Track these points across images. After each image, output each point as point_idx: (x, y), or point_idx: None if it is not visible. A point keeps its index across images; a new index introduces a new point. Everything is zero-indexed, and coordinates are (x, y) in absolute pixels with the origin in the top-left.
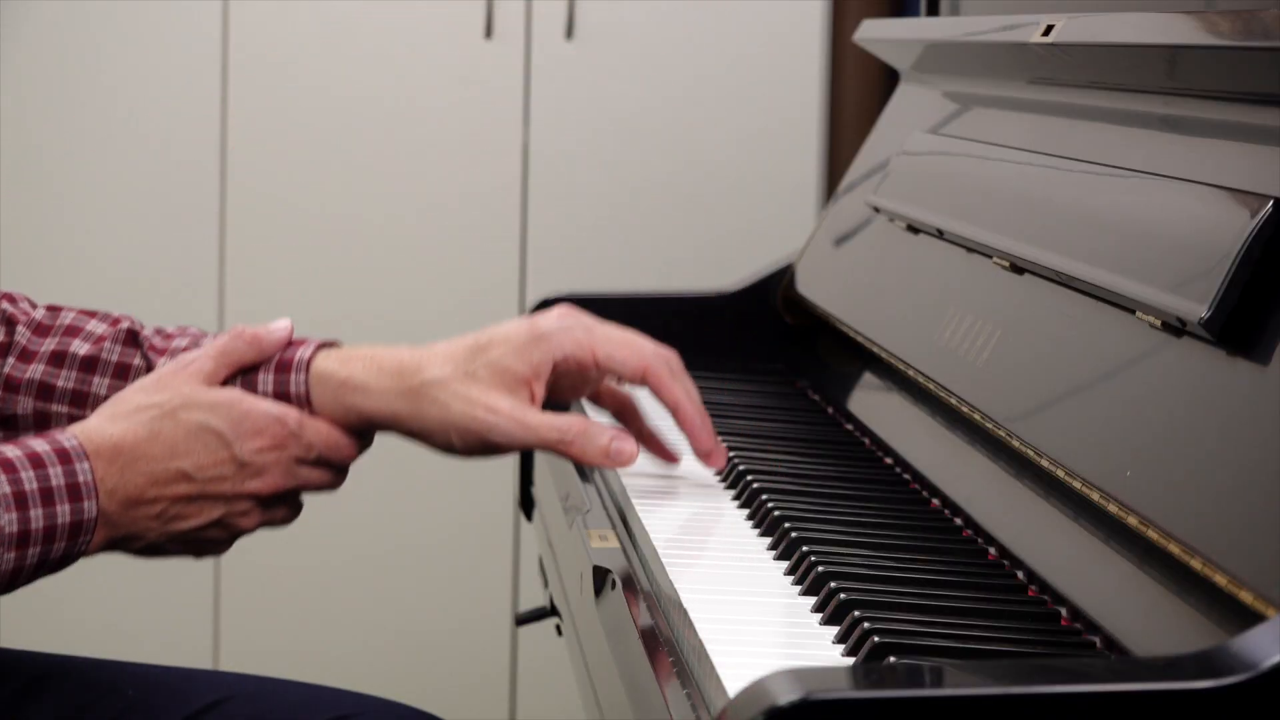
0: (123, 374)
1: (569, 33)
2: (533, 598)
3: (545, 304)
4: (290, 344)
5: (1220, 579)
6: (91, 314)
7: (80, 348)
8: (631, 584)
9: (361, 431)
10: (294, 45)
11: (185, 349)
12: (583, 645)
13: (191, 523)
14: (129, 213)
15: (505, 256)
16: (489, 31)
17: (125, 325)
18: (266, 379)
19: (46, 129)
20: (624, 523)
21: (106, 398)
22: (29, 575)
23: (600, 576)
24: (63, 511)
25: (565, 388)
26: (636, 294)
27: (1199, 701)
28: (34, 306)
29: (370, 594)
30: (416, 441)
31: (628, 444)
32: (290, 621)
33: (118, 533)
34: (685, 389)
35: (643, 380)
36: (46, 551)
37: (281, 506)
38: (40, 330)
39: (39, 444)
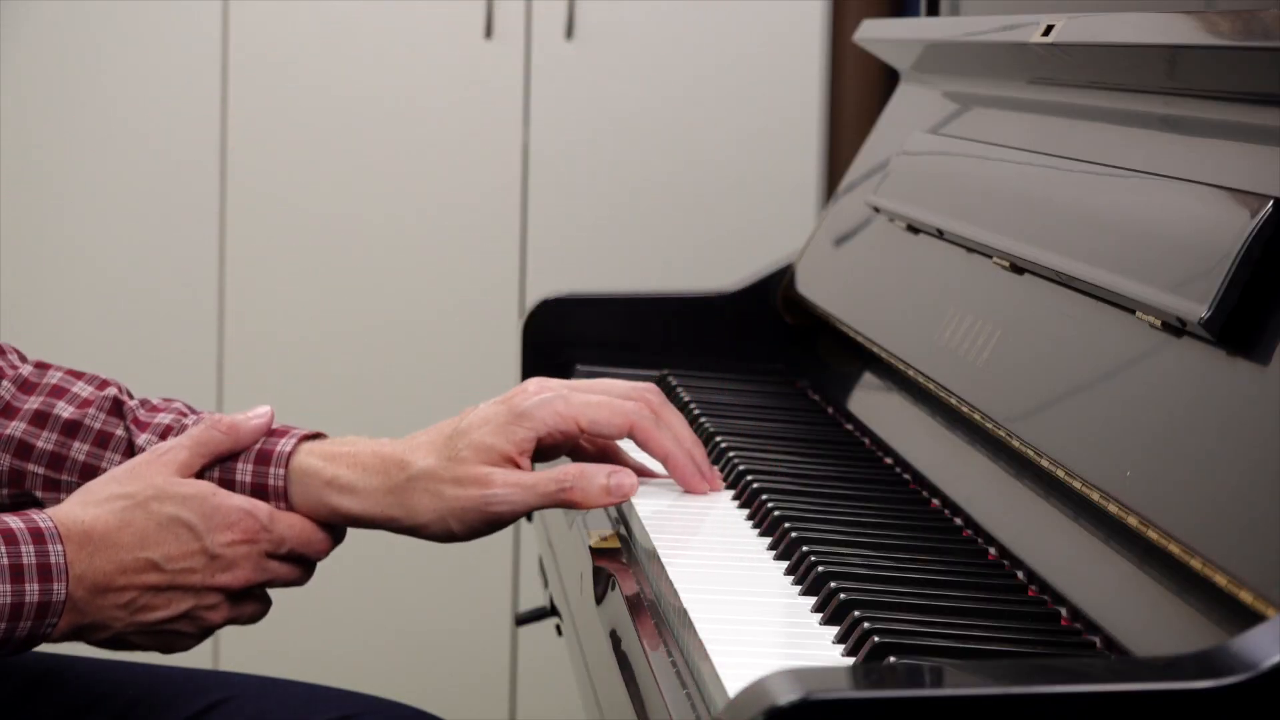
0: (103, 442)
1: (569, 33)
2: (533, 598)
3: (545, 304)
4: (272, 433)
5: (1220, 579)
6: (79, 375)
7: (64, 410)
8: (631, 584)
9: (335, 526)
10: (294, 45)
11: (168, 427)
12: (583, 645)
13: (159, 614)
14: (129, 213)
15: (505, 256)
16: (489, 31)
17: (111, 393)
18: (245, 469)
19: (46, 129)
20: (624, 523)
21: (85, 464)
22: None
23: (600, 576)
24: (31, 590)
25: (549, 454)
26: (636, 294)
27: (1199, 701)
28: (22, 360)
29: (370, 594)
30: (414, 536)
31: (626, 477)
32: (290, 621)
33: (84, 619)
34: (673, 434)
35: (630, 438)
36: (11, 630)
37: (250, 602)
38: (25, 387)
39: (13, 520)
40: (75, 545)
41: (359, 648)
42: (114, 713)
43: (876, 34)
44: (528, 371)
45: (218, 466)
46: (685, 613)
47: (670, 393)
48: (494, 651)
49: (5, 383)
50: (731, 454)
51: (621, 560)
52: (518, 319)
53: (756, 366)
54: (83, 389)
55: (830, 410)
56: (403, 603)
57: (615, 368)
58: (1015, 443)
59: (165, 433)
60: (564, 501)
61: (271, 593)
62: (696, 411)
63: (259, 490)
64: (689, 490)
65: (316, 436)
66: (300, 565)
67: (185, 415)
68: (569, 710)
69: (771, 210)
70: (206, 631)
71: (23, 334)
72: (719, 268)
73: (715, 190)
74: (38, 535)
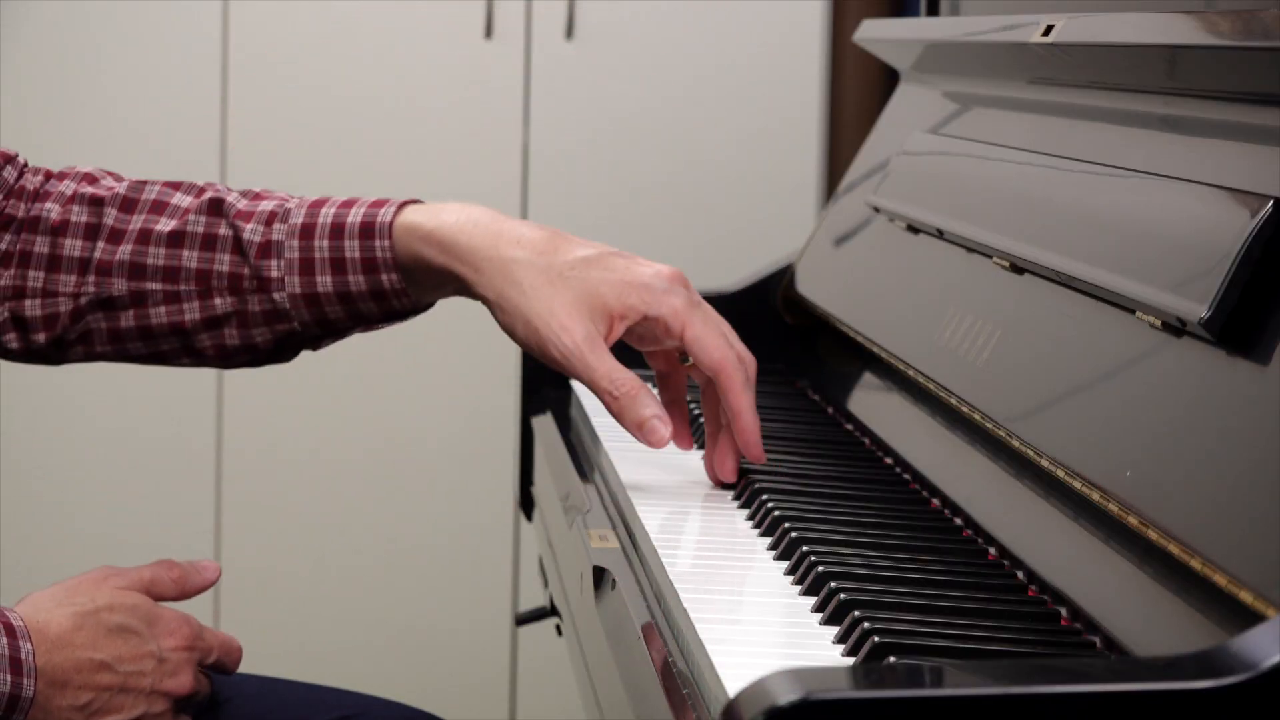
0: (210, 244)
1: (569, 33)
2: (533, 598)
3: None
4: (374, 204)
5: (1220, 579)
6: (176, 186)
7: (166, 224)
8: (631, 584)
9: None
10: (294, 45)
11: (271, 213)
12: (583, 645)
13: (113, 719)
14: None
15: None
16: (489, 31)
17: (209, 195)
18: (353, 245)
19: (46, 129)
20: (624, 523)
21: (198, 270)
22: None
23: (600, 576)
24: (2, 680)
25: (639, 335)
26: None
27: (1199, 701)
28: (117, 179)
29: (370, 594)
30: (485, 306)
31: (664, 426)
32: (290, 621)
33: (45, 718)
34: (750, 400)
35: (714, 376)
36: None
37: (184, 715)
38: (126, 206)
39: None
40: (35, 640)
41: (359, 648)
42: None
43: (876, 34)
44: (528, 371)
45: (327, 246)
46: (685, 612)
47: None
48: (494, 651)
49: (106, 208)
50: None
51: (621, 560)
52: None
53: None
54: (181, 199)
55: (830, 410)
56: (403, 603)
57: None
58: (1015, 443)
59: (270, 219)
60: (604, 401)
61: (272, 593)
62: (696, 412)
63: (369, 265)
64: (749, 453)
65: (415, 202)
66: (208, 681)
67: (288, 200)
68: (569, 710)
69: (771, 210)
70: None
71: None
72: (719, 268)
73: (715, 190)
74: (10, 630)
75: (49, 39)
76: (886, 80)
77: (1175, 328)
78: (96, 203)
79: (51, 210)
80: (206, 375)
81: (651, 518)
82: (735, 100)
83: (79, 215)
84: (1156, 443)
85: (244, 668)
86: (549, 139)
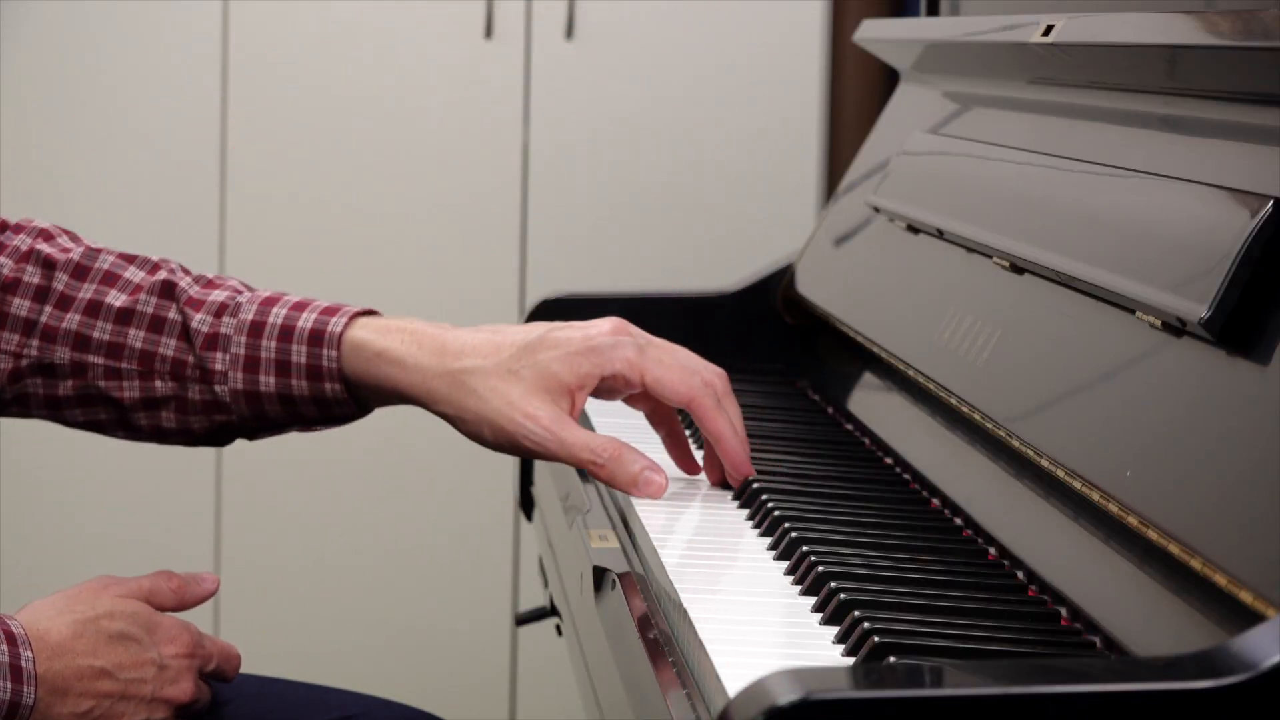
0: (158, 327)
1: (569, 33)
2: (533, 598)
3: (545, 304)
4: (324, 310)
5: (1220, 579)
6: (130, 259)
7: (116, 299)
8: (631, 584)
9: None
10: (294, 45)
11: (222, 304)
12: (583, 645)
13: None
14: (129, 213)
15: (505, 256)
16: (489, 31)
17: (162, 276)
18: (300, 350)
19: (46, 129)
20: (624, 523)
21: (142, 350)
22: None
23: (600, 576)
24: (2, 688)
25: (604, 393)
26: (636, 294)
27: (1199, 701)
28: (74, 240)
29: (370, 594)
30: (448, 422)
31: (658, 475)
32: (290, 622)
33: None
34: (729, 419)
35: (687, 409)
36: None
37: None
38: (78, 273)
39: None
40: (35, 648)
41: (359, 648)
42: None
43: (876, 34)
44: None
45: (274, 347)
46: (685, 612)
47: None
48: (494, 651)
49: (58, 272)
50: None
51: (621, 560)
52: (518, 319)
53: (756, 366)
54: (134, 274)
55: (830, 410)
56: (403, 603)
57: None
58: (1015, 443)
59: (220, 311)
60: (592, 473)
61: (272, 593)
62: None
63: (314, 372)
64: (737, 474)
65: (370, 313)
66: (210, 688)
67: (240, 292)
68: (569, 710)
69: (771, 210)
70: None
71: None
72: (719, 268)
73: (715, 190)
74: (10, 638)
75: (49, 39)
76: (886, 80)
77: (1175, 328)
78: (50, 265)
79: (3, 265)
80: None
81: (651, 518)
82: (735, 100)
83: (31, 276)
84: (1156, 443)
85: (244, 668)
86: (549, 139)
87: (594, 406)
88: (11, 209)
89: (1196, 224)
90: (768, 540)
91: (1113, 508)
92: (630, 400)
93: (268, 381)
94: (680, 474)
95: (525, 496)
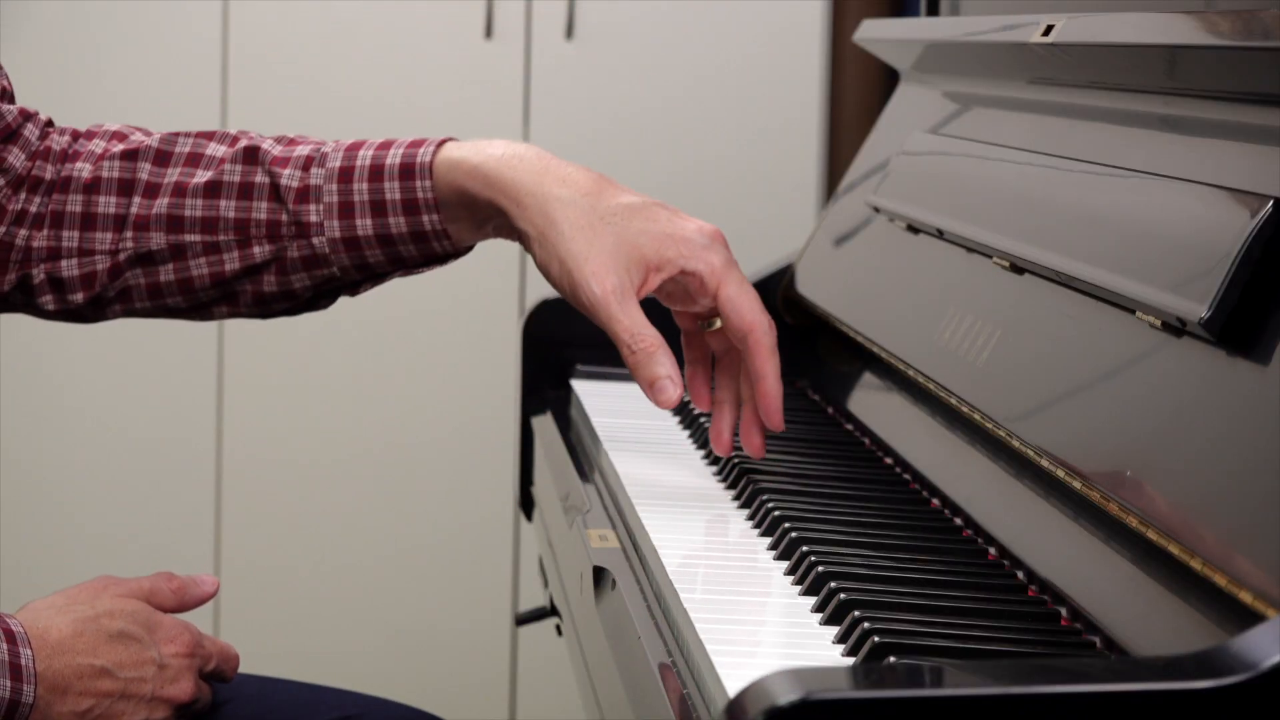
0: (247, 193)
1: (569, 33)
2: (533, 598)
3: (545, 304)
4: (412, 144)
5: (1220, 579)
6: (210, 136)
7: (202, 176)
8: (631, 584)
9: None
10: (294, 45)
11: (308, 158)
12: (583, 645)
13: None
14: None
15: (505, 256)
16: (489, 31)
17: (244, 143)
18: (393, 186)
19: None
20: (624, 523)
21: (235, 219)
22: None
23: (600, 576)
24: (2, 686)
25: (673, 292)
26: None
27: (1199, 701)
28: (146, 134)
29: (371, 594)
30: (519, 240)
31: (674, 388)
32: (290, 622)
33: None
34: (776, 365)
35: (742, 338)
36: None
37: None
38: (160, 159)
39: None
40: (35, 646)
41: (359, 648)
42: None
43: (876, 34)
44: (528, 372)
45: (366, 189)
46: (685, 612)
47: None
48: (494, 651)
49: (140, 163)
50: (732, 454)
51: (621, 560)
52: (518, 319)
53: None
54: (215, 149)
55: (830, 410)
56: (403, 603)
57: (616, 368)
58: (1015, 443)
59: (307, 164)
60: (623, 354)
61: (272, 593)
62: (696, 412)
63: (410, 205)
64: (770, 424)
65: (450, 140)
66: (211, 688)
67: (324, 144)
68: (569, 710)
69: (771, 210)
70: None
71: (23, 334)
72: None
73: (715, 190)
74: (10, 636)
75: (49, 39)
76: (886, 80)
77: (1175, 328)
78: (129, 157)
79: (83, 169)
80: (206, 374)
81: (651, 518)
82: (735, 100)
83: (111, 171)
84: (1156, 443)
85: (244, 668)
86: (549, 139)
87: (601, 405)
88: None
89: (1196, 224)
90: (768, 540)
91: (1113, 508)
92: (678, 316)
93: (364, 224)
94: (678, 473)
95: (525, 496)
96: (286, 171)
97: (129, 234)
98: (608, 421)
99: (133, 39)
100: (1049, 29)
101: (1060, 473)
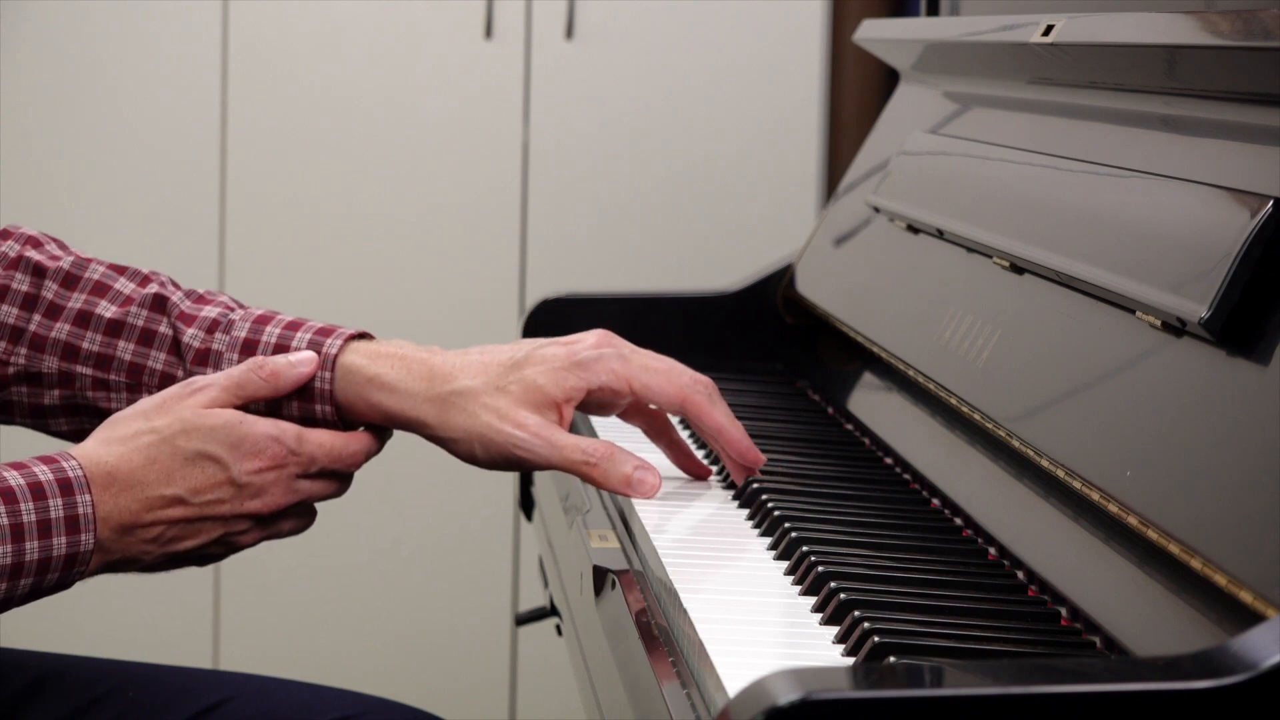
0: (148, 340)
1: (569, 33)
2: (533, 598)
3: (545, 304)
4: (318, 331)
5: (1220, 579)
6: (120, 270)
7: (106, 310)
8: (631, 584)
9: (379, 430)
10: (294, 45)
11: (214, 321)
12: (583, 645)
13: (190, 543)
14: (129, 213)
15: (505, 256)
16: (489, 31)
17: (153, 289)
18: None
19: (46, 129)
20: (624, 523)
21: (131, 363)
22: (20, 602)
23: (600, 576)
24: (59, 544)
25: (594, 407)
26: (636, 294)
27: (1199, 701)
28: (62, 249)
29: (370, 594)
30: (440, 446)
31: (650, 475)
32: (290, 622)
33: (113, 558)
34: (725, 411)
35: (680, 410)
36: (39, 581)
37: (286, 520)
38: (68, 282)
39: (41, 471)
40: (100, 487)
41: (359, 648)
42: (114, 714)
43: (876, 34)
44: None
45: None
46: (685, 612)
47: None
48: (494, 651)
49: (47, 281)
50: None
51: (621, 560)
52: (518, 319)
53: (756, 366)
54: (125, 286)
55: (830, 410)
56: (403, 603)
57: None
58: (1015, 443)
59: (212, 327)
60: (584, 475)
61: (272, 593)
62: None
63: (305, 392)
64: (746, 465)
65: (363, 336)
66: (336, 479)
67: (232, 309)
68: (569, 710)
69: (771, 210)
70: (239, 549)
71: None
72: (719, 268)
73: (715, 190)
74: (66, 486)
75: (49, 39)
76: (886, 80)
77: (1175, 328)
78: (39, 272)
79: None
80: None
81: (651, 518)
82: (735, 100)
83: (20, 283)
84: (1156, 443)
85: (244, 667)
86: (549, 139)
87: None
88: (11, 208)
89: (1196, 224)
90: (768, 540)
91: (1113, 508)
92: (625, 415)
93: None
94: (677, 473)
95: (525, 496)
96: (190, 330)
97: (23, 350)
98: (608, 421)
99: (133, 39)
100: (1049, 29)
101: (1060, 473)
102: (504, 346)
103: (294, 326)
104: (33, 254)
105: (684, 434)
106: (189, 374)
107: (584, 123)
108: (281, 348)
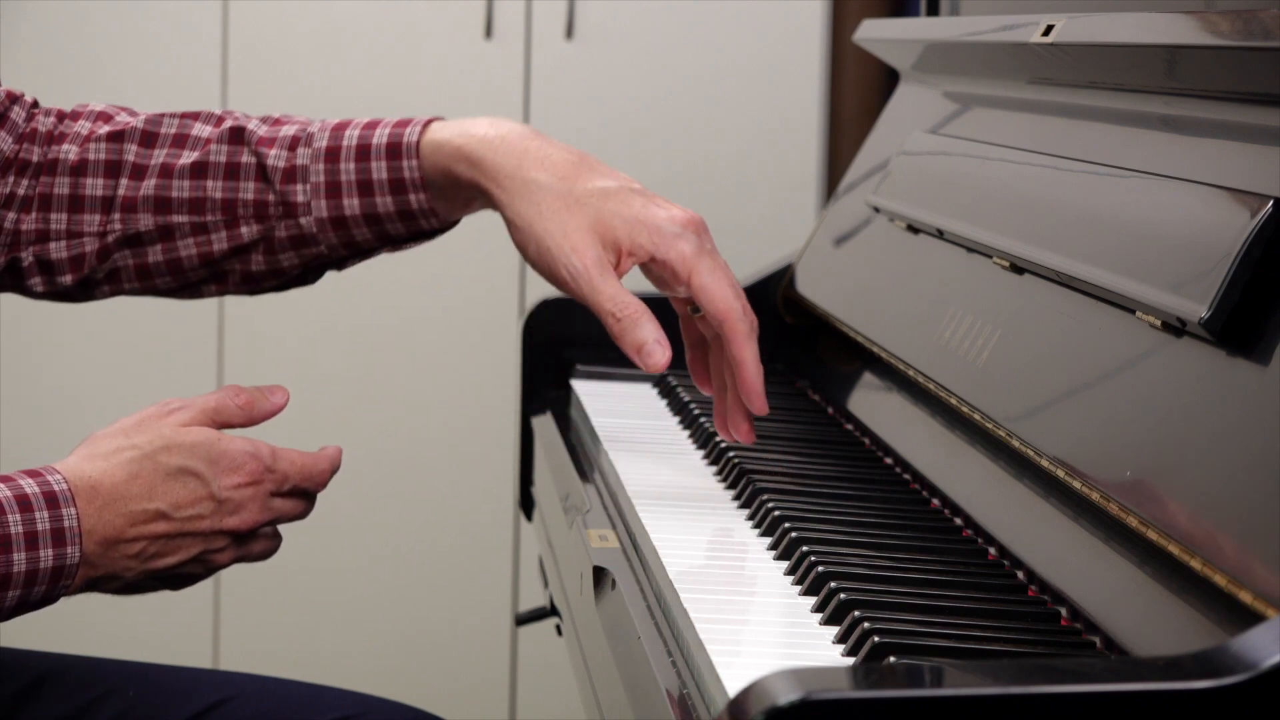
0: (234, 174)
1: (569, 33)
2: (533, 598)
3: (545, 304)
4: (398, 124)
5: (1220, 579)
6: (194, 116)
7: (188, 157)
8: (631, 584)
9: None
10: (294, 45)
11: (294, 138)
12: (583, 645)
13: (170, 560)
14: None
15: (505, 256)
16: (489, 31)
17: (229, 124)
18: (380, 166)
19: None
20: (624, 523)
21: (223, 199)
22: (6, 615)
23: (600, 576)
24: (45, 556)
25: (651, 275)
26: (636, 294)
27: (1199, 701)
28: (131, 115)
29: (370, 594)
30: (506, 225)
31: (661, 352)
32: (290, 621)
33: (97, 572)
34: (753, 351)
35: (719, 325)
36: (26, 594)
37: (259, 541)
38: (146, 140)
39: (27, 484)
40: (84, 500)
41: (359, 648)
42: (114, 713)
43: (876, 34)
44: (528, 372)
45: (353, 169)
46: (685, 612)
47: (670, 393)
48: (494, 651)
49: (127, 144)
50: (731, 454)
51: (621, 560)
52: (518, 319)
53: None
54: (201, 130)
55: (830, 410)
56: (403, 603)
57: (616, 368)
58: (1015, 443)
59: (293, 144)
60: (607, 325)
61: (272, 593)
62: (696, 412)
63: (397, 185)
64: (751, 403)
65: (437, 119)
66: (304, 499)
67: (309, 124)
68: (569, 710)
69: (771, 210)
70: (215, 570)
71: (22, 333)
72: None
73: (715, 190)
74: (52, 499)
75: (49, 39)
76: (886, 80)
77: (1175, 328)
78: (115, 139)
79: (69, 151)
80: (206, 375)
81: (651, 518)
82: (735, 100)
83: (98, 153)
84: (1156, 443)
85: (244, 667)
86: None
87: (601, 406)
88: None
89: (1196, 224)
90: (768, 540)
91: (1113, 508)
92: (673, 302)
93: (352, 204)
94: (677, 476)
95: (525, 496)
96: (273, 152)
97: (116, 216)
98: (608, 421)
99: (133, 39)
100: (1049, 29)
101: (1060, 473)
102: (601, 168)
103: (371, 126)
104: (105, 126)
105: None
106: (279, 195)
107: (584, 123)
108: (364, 147)
